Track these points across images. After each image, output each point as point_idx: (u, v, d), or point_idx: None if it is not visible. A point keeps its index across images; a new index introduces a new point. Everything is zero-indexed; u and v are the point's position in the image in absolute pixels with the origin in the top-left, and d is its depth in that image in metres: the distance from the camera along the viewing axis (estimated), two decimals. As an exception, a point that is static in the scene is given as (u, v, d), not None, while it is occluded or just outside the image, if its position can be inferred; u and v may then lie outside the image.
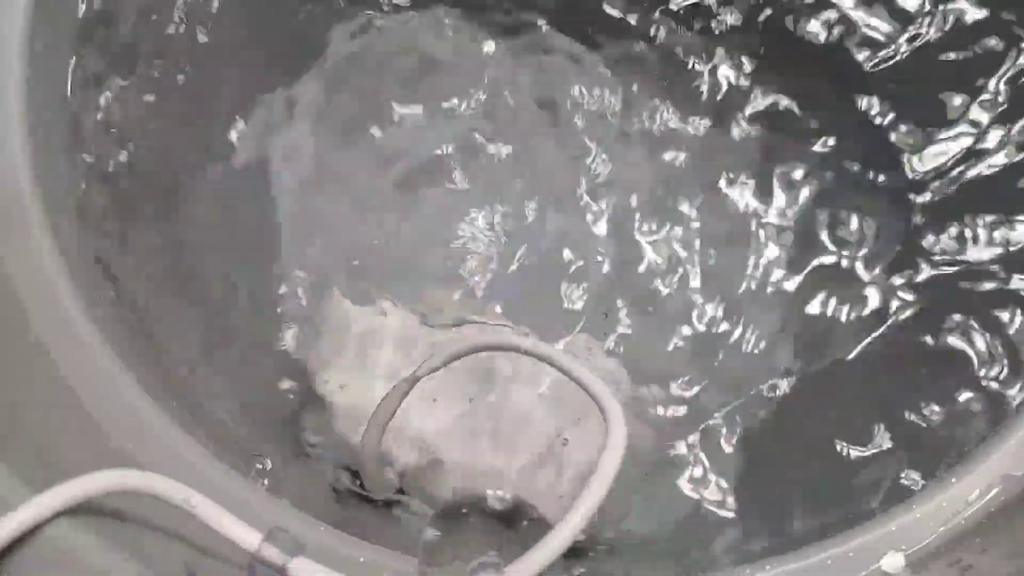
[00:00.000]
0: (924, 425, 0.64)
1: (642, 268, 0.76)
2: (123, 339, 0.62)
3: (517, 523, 0.53)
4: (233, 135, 0.77)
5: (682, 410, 0.69)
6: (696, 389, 0.71)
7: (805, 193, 0.76)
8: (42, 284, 0.62)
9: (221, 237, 0.74)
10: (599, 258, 0.76)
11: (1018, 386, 0.61)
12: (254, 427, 0.66)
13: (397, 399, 0.62)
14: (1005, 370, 0.62)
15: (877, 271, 0.72)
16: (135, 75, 0.68)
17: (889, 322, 0.68)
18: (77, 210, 0.67)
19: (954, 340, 0.65)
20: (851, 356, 0.68)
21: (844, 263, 0.73)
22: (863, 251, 0.73)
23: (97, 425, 0.58)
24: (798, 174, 0.77)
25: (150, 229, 0.68)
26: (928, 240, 0.68)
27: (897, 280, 0.70)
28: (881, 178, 0.73)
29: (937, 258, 0.68)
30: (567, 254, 0.76)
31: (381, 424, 0.62)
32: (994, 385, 0.62)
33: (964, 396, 0.63)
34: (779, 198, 0.76)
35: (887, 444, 0.65)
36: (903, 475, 0.62)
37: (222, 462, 0.58)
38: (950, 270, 0.67)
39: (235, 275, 0.72)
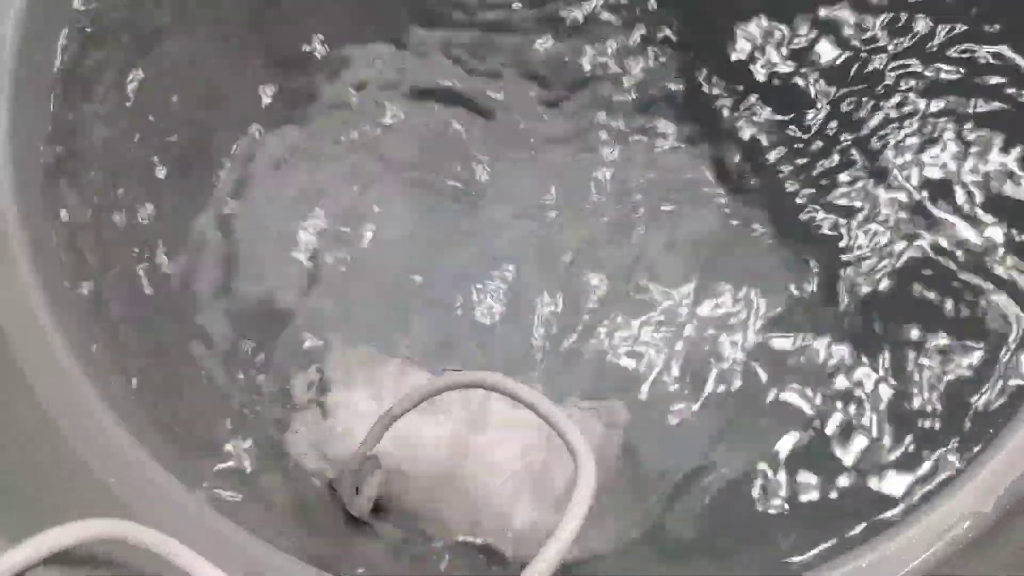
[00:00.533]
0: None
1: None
2: (105, 372, 0.63)
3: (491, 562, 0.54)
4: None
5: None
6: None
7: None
8: (23, 314, 0.63)
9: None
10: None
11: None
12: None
13: (377, 435, 0.63)
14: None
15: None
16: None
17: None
18: (59, 239, 0.67)
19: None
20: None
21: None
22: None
23: (79, 459, 0.58)
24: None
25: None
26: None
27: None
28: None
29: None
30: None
31: (360, 458, 0.63)
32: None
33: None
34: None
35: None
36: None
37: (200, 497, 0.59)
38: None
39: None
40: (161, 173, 0.72)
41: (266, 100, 0.78)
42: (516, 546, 0.59)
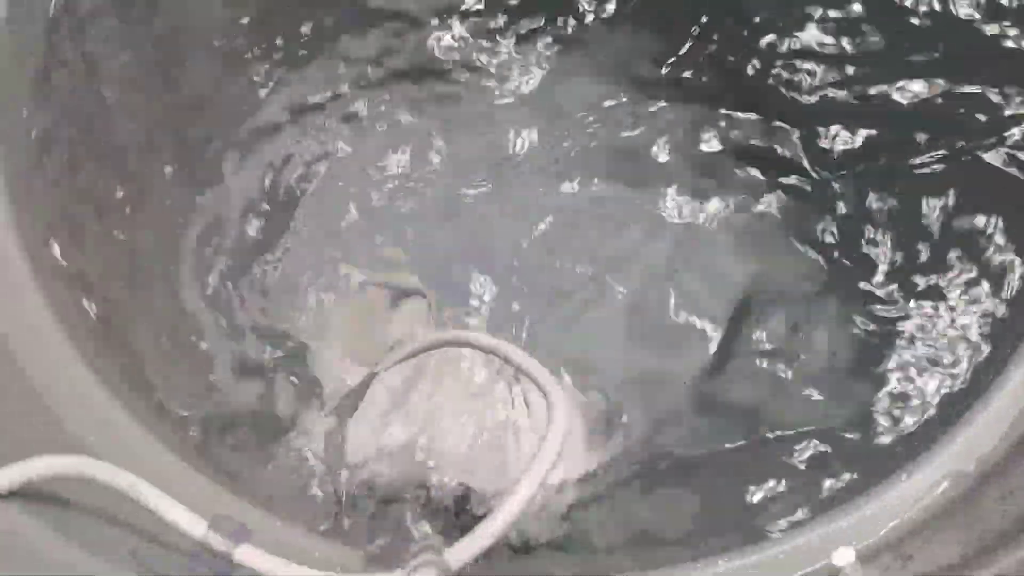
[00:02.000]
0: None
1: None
2: (83, 330, 0.63)
3: (463, 510, 0.53)
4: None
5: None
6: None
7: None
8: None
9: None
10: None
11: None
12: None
13: (358, 393, 0.63)
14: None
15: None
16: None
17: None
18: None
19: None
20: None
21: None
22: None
23: (53, 413, 0.58)
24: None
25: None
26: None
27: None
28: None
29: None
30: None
31: (345, 413, 0.63)
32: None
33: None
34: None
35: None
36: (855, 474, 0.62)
37: (174, 453, 0.58)
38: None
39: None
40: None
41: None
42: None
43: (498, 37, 0.83)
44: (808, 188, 0.75)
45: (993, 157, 0.66)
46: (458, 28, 0.83)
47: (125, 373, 0.64)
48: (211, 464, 0.60)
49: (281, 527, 0.58)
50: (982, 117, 0.68)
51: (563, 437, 0.51)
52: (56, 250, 0.66)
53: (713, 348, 0.73)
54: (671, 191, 0.79)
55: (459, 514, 0.54)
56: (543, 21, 0.83)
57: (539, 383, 0.55)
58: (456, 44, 0.83)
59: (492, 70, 0.84)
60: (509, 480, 0.60)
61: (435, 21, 0.83)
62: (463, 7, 0.83)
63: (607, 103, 0.83)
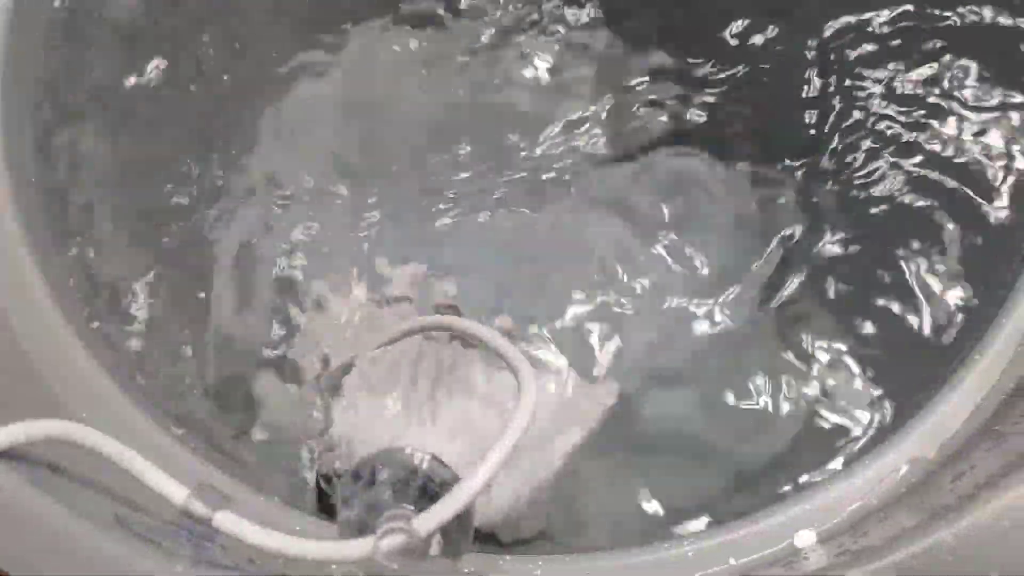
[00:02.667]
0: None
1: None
2: (76, 303, 0.66)
3: (435, 485, 0.55)
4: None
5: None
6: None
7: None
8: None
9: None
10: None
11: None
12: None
13: (339, 374, 0.65)
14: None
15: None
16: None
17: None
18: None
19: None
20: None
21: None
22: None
23: (41, 380, 0.61)
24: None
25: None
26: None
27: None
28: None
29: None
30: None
31: (329, 392, 0.66)
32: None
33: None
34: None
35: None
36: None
37: (160, 425, 0.61)
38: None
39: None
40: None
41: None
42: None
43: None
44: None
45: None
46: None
47: (114, 345, 0.66)
48: (197, 438, 0.62)
49: (263, 500, 0.60)
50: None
51: (531, 413, 0.53)
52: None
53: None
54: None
55: (431, 488, 0.56)
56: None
57: (509, 361, 0.57)
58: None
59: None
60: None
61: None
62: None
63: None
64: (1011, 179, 0.68)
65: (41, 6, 0.73)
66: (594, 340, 0.75)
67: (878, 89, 0.75)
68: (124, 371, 0.64)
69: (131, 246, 0.71)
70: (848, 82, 0.76)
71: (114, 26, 0.77)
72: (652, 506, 0.65)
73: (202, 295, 0.71)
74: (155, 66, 0.77)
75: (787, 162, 0.77)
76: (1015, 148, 0.69)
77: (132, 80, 0.77)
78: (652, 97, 0.82)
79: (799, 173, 0.76)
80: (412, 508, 0.52)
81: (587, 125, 0.82)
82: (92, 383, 0.63)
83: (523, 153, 0.81)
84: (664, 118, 0.81)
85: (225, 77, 0.80)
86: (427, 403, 0.63)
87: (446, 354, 0.67)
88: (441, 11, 0.86)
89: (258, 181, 0.79)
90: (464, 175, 0.82)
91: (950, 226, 0.68)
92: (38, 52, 0.72)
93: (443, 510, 0.50)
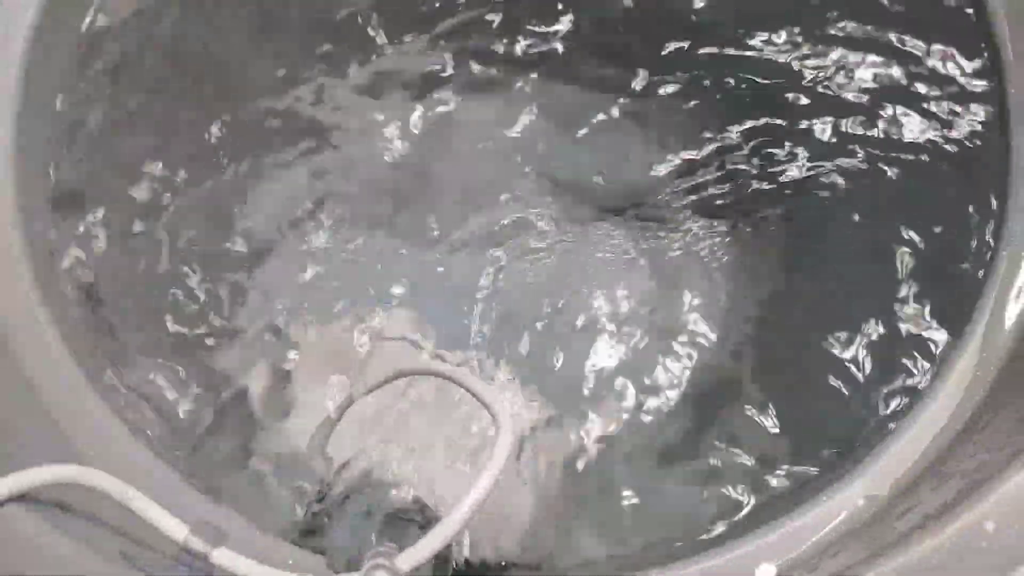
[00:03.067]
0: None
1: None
2: (84, 343, 0.70)
3: (416, 521, 0.59)
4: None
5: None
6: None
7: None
8: (9, 286, 0.70)
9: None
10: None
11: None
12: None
13: (337, 417, 0.69)
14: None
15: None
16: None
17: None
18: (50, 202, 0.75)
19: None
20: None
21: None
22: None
23: (53, 421, 0.65)
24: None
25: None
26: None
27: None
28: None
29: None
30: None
31: (325, 436, 0.70)
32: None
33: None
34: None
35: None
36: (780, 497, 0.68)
37: (164, 462, 0.65)
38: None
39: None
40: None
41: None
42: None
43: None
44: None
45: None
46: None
47: (118, 379, 0.71)
48: (197, 473, 0.66)
49: (258, 535, 0.64)
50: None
51: (508, 455, 0.58)
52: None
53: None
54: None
55: (413, 527, 0.60)
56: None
57: (488, 405, 0.61)
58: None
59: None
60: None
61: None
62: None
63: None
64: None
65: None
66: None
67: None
68: (129, 413, 0.68)
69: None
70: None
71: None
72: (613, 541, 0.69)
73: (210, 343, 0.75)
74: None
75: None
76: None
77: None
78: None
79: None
80: (395, 546, 0.56)
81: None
82: (100, 423, 0.67)
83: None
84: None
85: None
86: (412, 442, 0.67)
87: (432, 396, 0.71)
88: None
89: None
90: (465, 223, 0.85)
91: (900, 272, 0.72)
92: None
93: (424, 548, 0.54)
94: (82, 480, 0.57)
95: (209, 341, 0.75)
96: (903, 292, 0.71)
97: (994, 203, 0.69)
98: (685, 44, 0.82)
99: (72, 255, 0.74)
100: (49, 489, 0.57)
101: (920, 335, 0.70)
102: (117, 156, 0.78)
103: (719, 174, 0.82)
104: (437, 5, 0.85)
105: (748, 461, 0.70)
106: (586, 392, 0.76)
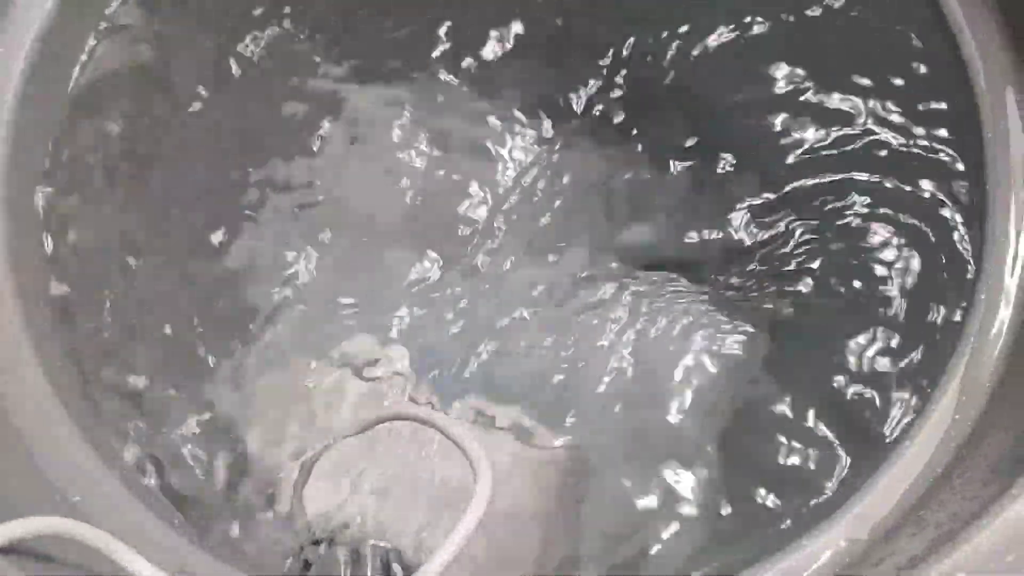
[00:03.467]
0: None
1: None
2: (71, 390, 0.71)
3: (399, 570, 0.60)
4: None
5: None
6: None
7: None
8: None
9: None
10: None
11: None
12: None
13: (311, 464, 0.70)
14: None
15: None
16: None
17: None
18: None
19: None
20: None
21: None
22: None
23: (39, 469, 0.66)
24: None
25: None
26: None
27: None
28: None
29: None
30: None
31: (300, 485, 0.70)
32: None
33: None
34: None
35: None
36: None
37: (150, 510, 0.66)
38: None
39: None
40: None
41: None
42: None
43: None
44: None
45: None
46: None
47: (107, 427, 0.72)
48: (182, 520, 0.67)
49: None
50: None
51: (484, 507, 0.58)
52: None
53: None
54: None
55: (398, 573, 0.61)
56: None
57: (468, 454, 0.62)
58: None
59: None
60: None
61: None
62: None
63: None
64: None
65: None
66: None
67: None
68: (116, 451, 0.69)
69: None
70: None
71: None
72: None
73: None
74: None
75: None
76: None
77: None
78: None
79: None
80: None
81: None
82: (83, 463, 0.69)
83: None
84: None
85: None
86: (392, 490, 0.68)
87: (412, 446, 0.72)
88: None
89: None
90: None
91: (879, 321, 0.72)
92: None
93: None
94: (62, 531, 0.58)
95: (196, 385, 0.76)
96: (879, 336, 0.71)
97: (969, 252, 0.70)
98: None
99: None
100: (34, 541, 0.58)
101: (898, 379, 0.70)
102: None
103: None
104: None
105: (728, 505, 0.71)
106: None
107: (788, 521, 0.68)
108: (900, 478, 0.66)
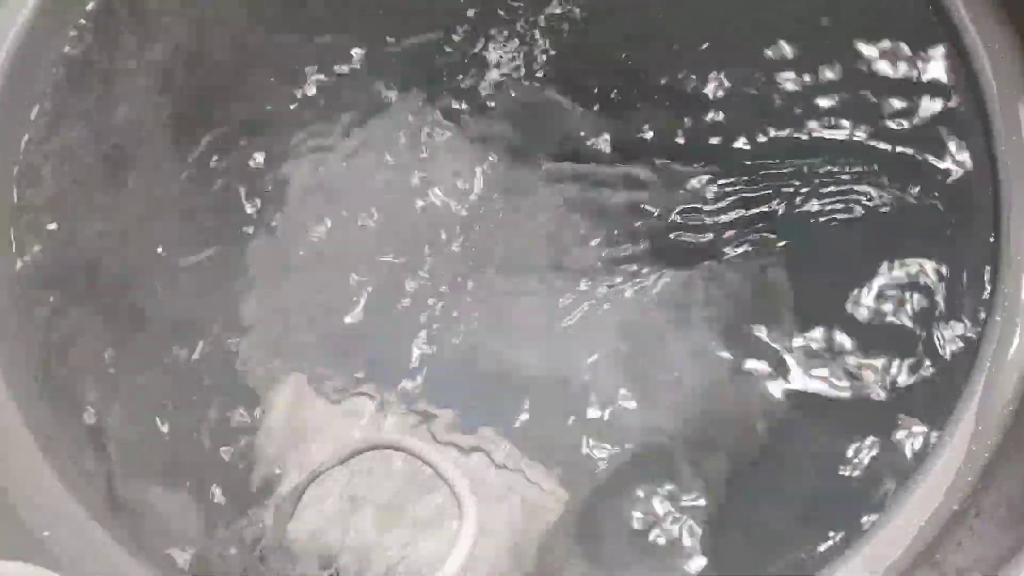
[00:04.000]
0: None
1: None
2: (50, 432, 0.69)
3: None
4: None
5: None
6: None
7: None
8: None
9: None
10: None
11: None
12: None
13: (299, 492, 0.67)
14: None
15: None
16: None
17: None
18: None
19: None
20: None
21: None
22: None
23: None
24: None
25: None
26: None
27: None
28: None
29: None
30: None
31: (286, 513, 0.67)
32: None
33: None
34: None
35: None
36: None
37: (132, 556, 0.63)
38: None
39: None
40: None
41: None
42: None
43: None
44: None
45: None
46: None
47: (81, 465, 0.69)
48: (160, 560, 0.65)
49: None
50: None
51: (470, 545, 0.55)
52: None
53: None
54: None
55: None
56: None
57: (453, 488, 0.59)
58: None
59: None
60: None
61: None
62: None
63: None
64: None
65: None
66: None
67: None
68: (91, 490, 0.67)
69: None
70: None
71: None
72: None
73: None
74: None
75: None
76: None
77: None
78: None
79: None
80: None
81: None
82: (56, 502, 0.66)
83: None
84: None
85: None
86: (377, 523, 0.65)
87: (397, 480, 0.69)
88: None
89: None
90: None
91: (894, 356, 0.70)
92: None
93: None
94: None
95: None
96: (895, 366, 0.68)
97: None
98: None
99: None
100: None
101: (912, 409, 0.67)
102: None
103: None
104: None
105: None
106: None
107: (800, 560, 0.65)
108: (912, 518, 0.63)
